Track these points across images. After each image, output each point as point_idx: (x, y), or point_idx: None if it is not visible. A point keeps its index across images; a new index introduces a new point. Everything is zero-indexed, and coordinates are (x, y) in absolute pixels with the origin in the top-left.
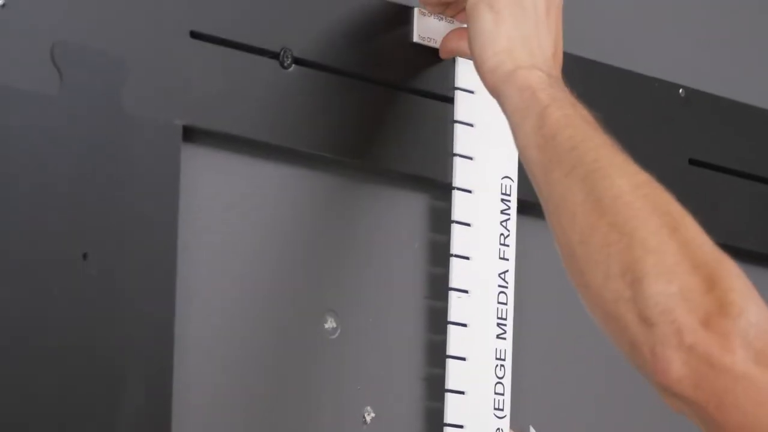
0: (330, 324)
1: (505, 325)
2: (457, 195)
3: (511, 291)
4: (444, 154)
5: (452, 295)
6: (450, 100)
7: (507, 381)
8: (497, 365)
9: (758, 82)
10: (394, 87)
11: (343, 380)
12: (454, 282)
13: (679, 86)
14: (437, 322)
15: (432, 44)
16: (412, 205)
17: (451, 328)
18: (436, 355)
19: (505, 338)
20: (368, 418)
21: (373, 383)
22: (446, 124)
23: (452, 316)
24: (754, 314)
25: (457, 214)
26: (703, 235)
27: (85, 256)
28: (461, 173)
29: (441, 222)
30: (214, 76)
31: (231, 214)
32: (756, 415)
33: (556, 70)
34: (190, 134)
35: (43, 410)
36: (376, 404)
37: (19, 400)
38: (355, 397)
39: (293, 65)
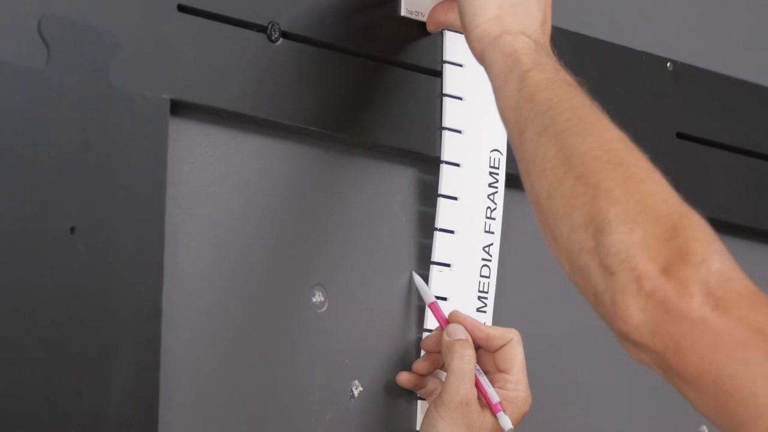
0: (317, 298)
1: (486, 298)
2: (444, 168)
3: (494, 265)
4: (432, 127)
5: (433, 268)
6: (437, 74)
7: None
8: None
9: (746, 55)
10: (381, 60)
11: (331, 354)
12: (436, 256)
13: (667, 60)
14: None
15: (419, 18)
16: (400, 179)
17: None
18: (421, 329)
19: (485, 311)
20: (356, 392)
21: (361, 357)
22: (434, 97)
23: (433, 289)
24: (716, 263)
25: (444, 187)
26: (669, 189)
27: (72, 230)
28: (449, 147)
29: (429, 195)
30: (202, 50)
31: (218, 187)
32: (712, 360)
33: (545, 39)
34: (177, 108)
35: (30, 383)
36: (363, 378)
37: (7, 374)
38: (343, 371)
39: (281, 39)
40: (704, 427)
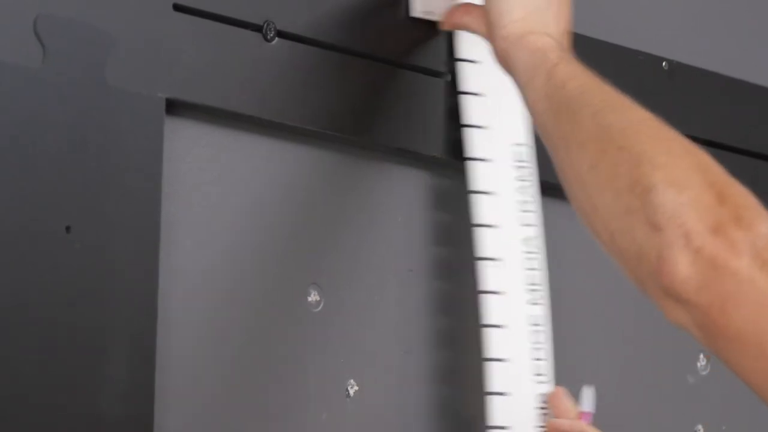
0: (313, 297)
1: (536, 290)
2: (472, 165)
3: (540, 257)
4: (430, 127)
5: (481, 264)
6: (437, 74)
7: (546, 346)
8: (533, 331)
9: (742, 54)
10: (377, 60)
11: (327, 353)
12: (481, 251)
13: (662, 59)
14: (420, 295)
15: (432, 17)
16: (397, 179)
17: (485, 297)
18: (419, 328)
19: (539, 304)
20: (351, 391)
21: (357, 356)
22: (432, 97)
23: (484, 283)
24: (764, 227)
25: (476, 184)
26: (711, 161)
27: (68, 229)
28: (474, 143)
29: (423, 195)
30: (198, 49)
31: (214, 187)
32: (757, 319)
33: (567, 45)
34: (173, 107)
35: (26, 382)
36: (359, 377)
37: (2, 373)
38: (339, 370)
39: (276, 38)
40: (700, 426)
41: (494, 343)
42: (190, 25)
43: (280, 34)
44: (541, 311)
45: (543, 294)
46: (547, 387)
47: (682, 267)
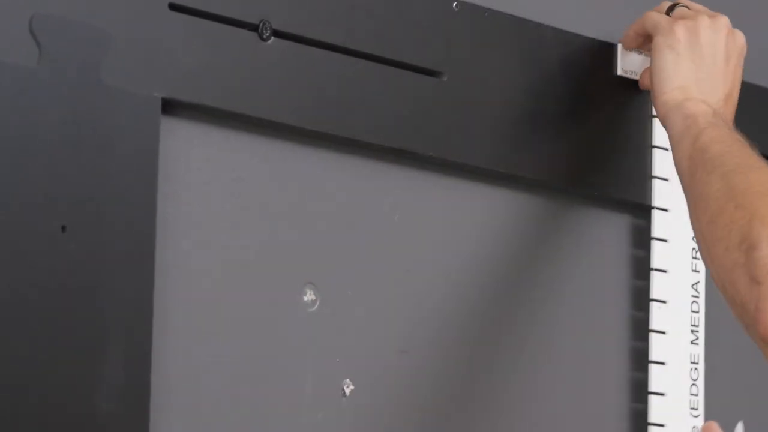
0: (309, 297)
1: (697, 331)
2: (656, 214)
3: (702, 300)
4: (426, 123)
5: (653, 305)
6: (434, 74)
7: (701, 383)
8: (692, 368)
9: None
10: (372, 59)
11: (322, 353)
12: (654, 293)
13: None
14: (413, 292)
15: (632, 77)
16: (391, 178)
17: (652, 336)
18: (412, 326)
19: (698, 343)
20: (347, 391)
21: (352, 356)
22: (428, 94)
23: (652, 323)
24: None
25: (656, 231)
26: None
27: (63, 228)
28: (659, 193)
29: (415, 197)
30: (194, 49)
31: (210, 186)
32: None
33: (727, 111)
34: (169, 107)
35: (22, 381)
36: (354, 377)
37: None
38: (334, 369)
39: (272, 37)
40: None
41: (655, 377)
42: (186, 24)
43: (276, 33)
44: (699, 350)
45: (701, 333)
46: (701, 421)
47: None
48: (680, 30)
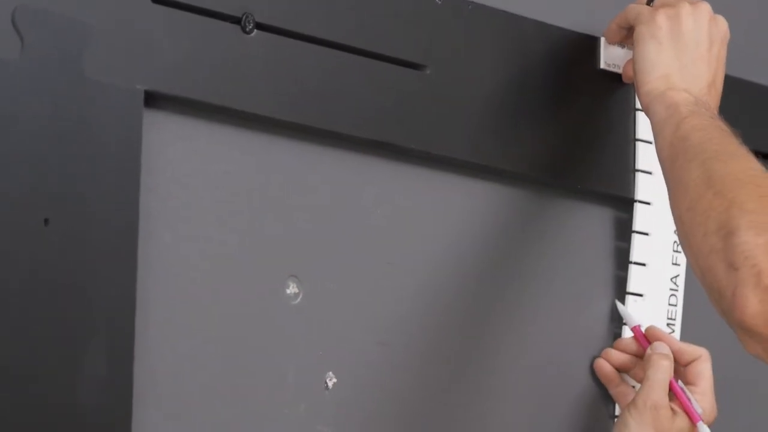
0: (292, 289)
1: (674, 325)
2: (638, 207)
3: (680, 294)
4: (410, 117)
5: (629, 298)
6: (418, 67)
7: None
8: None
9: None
10: (355, 52)
11: (305, 346)
12: (631, 287)
13: None
14: (396, 285)
15: (616, 70)
16: (374, 171)
17: (625, 329)
18: (395, 319)
19: (673, 336)
20: (330, 384)
21: (335, 349)
22: (413, 87)
23: (630, 320)
24: None
25: (637, 225)
26: None
27: (46, 221)
28: (642, 187)
29: (401, 188)
30: (176, 41)
31: (193, 179)
32: None
33: (711, 99)
34: (151, 100)
35: (3, 374)
36: (337, 370)
37: None
38: (317, 362)
39: (255, 30)
40: None
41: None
42: (168, 17)
43: (259, 26)
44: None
45: (677, 326)
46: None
47: (753, 303)
48: (662, 18)
